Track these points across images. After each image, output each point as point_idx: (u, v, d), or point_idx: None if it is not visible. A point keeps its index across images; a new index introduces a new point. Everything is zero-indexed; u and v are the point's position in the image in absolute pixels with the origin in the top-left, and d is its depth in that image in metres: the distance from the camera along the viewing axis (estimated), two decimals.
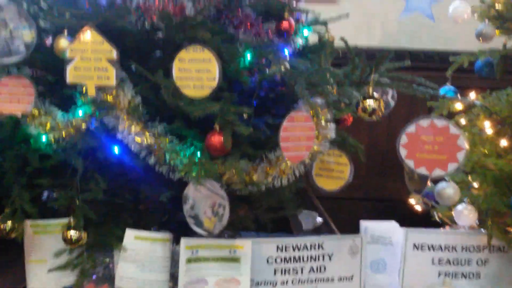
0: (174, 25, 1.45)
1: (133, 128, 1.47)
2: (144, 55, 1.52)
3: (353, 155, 1.71)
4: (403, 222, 1.74)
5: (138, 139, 1.47)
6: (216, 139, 1.34)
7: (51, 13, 1.45)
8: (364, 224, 1.76)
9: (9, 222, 1.44)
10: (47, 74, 1.64)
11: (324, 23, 1.95)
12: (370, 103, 1.32)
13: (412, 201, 2.16)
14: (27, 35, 1.45)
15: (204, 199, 1.50)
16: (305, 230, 2.32)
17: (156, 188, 1.62)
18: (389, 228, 1.76)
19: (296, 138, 1.39)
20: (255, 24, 1.70)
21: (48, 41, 1.67)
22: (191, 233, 1.57)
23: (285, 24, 1.74)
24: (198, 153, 1.46)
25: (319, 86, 1.33)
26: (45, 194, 1.67)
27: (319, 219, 2.32)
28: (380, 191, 2.92)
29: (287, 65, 1.55)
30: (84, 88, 1.46)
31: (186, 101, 1.32)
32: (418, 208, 2.14)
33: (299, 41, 1.87)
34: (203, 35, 1.37)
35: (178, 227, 1.78)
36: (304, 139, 1.40)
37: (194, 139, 1.47)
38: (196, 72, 1.42)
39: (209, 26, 1.46)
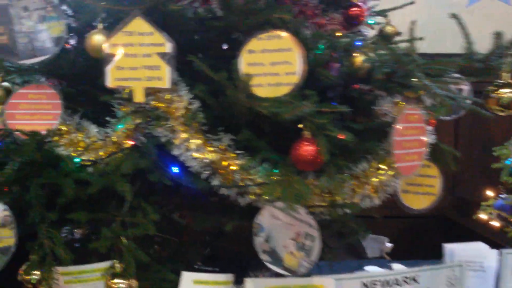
0: (237, 9, 1.15)
1: (192, 141, 1.15)
2: (200, 49, 1.21)
3: None
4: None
5: (198, 155, 1.15)
6: (308, 148, 1.02)
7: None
8: (450, 247, 1.50)
9: (37, 272, 1.09)
10: (75, 81, 1.33)
11: (384, 14, 1.71)
12: (507, 92, 1.01)
13: (482, 216, 1.85)
14: (55, 28, 1.14)
15: (283, 229, 1.17)
16: (370, 257, 2.01)
17: (214, 216, 1.30)
18: (479, 251, 1.52)
19: (409, 143, 1.08)
20: (316, 11, 1.41)
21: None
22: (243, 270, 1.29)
23: (355, 10, 1.45)
24: (274, 169, 1.14)
25: (440, 77, 1.02)
26: (72, 231, 1.34)
27: (388, 245, 2.00)
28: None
29: (372, 55, 1.25)
30: (128, 93, 1.15)
31: (270, 103, 1.01)
32: (495, 223, 1.83)
33: (367, 32, 1.59)
34: (283, 17, 1.06)
35: (229, 263, 1.46)
36: (417, 145, 1.08)
37: (267, 152, 1.15)
38: (270, 65, 1.11)
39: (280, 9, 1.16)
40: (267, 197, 1.11)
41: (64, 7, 1.28)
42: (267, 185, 1.10)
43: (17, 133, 1.21)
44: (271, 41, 1.11)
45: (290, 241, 1.16)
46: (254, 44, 1.12)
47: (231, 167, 1.14)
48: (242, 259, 1.61)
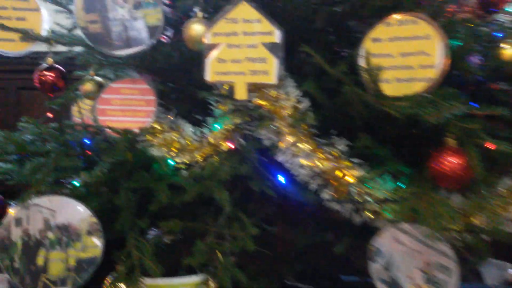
0: None
1: (299, 146, 0.98)
2: (310, 39, 1.04)
3: None
4: None
5: (306, 162, 0.97)
6: (454, 161, 0.81)
7: None
8: None
9: (123, 285, 0.98)
10: (170, 76, 1.22)
11: None
12: None
13: None
14: (152, 15, 1.03)
15: (409, 257, 0.96)
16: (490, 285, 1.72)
17: (320, 232, 1.13)
18: None
19: None
20: None
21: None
22: None
23: None
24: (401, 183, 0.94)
25: None
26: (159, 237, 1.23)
27: None
28: None
29: None
30: (228, 89, 1.01)
31: (406, 102, 0.81)
32: None
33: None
34: None
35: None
36: None
37: (392, 162, 0.95)
38: (401, 57, 0.91)
39: None
40: (391, 217, 0.91)
41: None
42: (393, 203, 0.90)
43: (108, 130, 1.12)
44: (403, 26, 0.91)
45: (417, 272, 0.95)
46: (381, 31, 0.93)
47: (346, 179, 0.96)
48: (338, 279, 1.43)
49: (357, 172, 0.96)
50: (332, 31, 1.11)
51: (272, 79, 0.97)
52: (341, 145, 0.98)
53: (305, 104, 1.00)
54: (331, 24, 1.07)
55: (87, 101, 1.34)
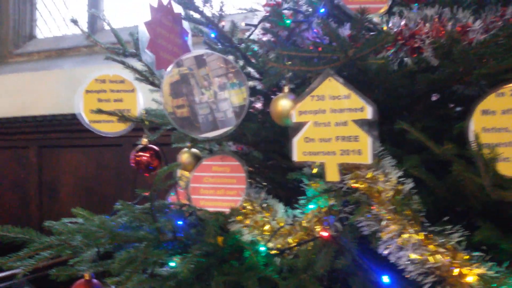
0: (461, 56, 0.82)
1: (405, 236, 0.84)
2: (404, 106, 0.91)
3: None
4: None
5: (415, 255, 0.83)
6: None
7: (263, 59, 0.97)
8: None
9: None
10: (260, 147, 1.18)
11: None
12: None
13: None
14: (238, 95, 0.99)
15: None
16: None
17: None
18: None
19: None
20: None
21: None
22: None
23: None
24: None
25: None
26: None
27: None
28: None
29: None
30: (319, 169, 0.92)
31: None
32: None
33: None
34: None
35: None
36: None
37: None
38: None
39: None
40: None
41: (249, 69, 1.14)
42: None
43: (199, 212, 1.09)
44: None
45: None
46: (492, 101, 0.77)
47: (466, 277, 0.79)
48: None
49: (479, 269, 0.79)
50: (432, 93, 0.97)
51: (367, 159, 0.86)
52: (457, 235, 0.82)
53: (408, 185, 0.87)
54: (432, 89, 0.93)
55: (185, 173, 1.35)
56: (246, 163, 1.12)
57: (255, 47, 1.16)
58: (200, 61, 1.02)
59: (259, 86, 1.17)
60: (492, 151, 0.71)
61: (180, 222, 1.11)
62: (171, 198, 1.47)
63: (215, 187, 1.14)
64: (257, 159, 1.25)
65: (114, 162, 3.10)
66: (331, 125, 0.89)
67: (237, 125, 1.02)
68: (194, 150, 1.27)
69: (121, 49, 1.30)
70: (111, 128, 1.24)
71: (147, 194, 1.16)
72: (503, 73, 0.80)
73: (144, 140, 1.26)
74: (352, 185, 0.90)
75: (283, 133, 1.00)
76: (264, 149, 1.23)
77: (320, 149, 0.90)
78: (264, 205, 1.07)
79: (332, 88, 0.88)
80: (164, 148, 1.31)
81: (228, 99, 1.01)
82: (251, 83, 1.15)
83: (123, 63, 1.28)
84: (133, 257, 0.94)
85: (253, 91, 1.15)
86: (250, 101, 1.14)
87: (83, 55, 3.38)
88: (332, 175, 0.90)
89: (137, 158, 1.24)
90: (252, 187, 1.12)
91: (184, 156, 1.25)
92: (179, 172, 1.43)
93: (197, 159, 1.24)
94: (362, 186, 0.88)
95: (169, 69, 1.04)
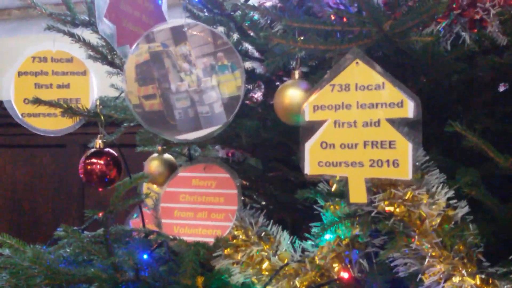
0: None
1: (457, 279, 0.87)
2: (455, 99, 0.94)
3: None
4: None
5: None
6: None
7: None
8: None
9: None
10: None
11: None
12: None
13: None
14: (229, 82, 1.01)
15: None
16: None
17: None
18: None
19: None
20: None
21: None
22: None
23: None
24: None
25: None
26: None
27: None
28: None
29: None
30: (339, 186, 0.95)
31: None
32: None
33: None
34: None
35: None
36: None
37: None
38: None
39: None
40: None
41: (247, 45, 1.16)
42: None
43: (172, 242, 1.12)
44: None
45: None
46: None
47: None
48: None
49: None
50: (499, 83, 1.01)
51: (406, 172, 0.89)
52: None
53: (462, 209, 0.91)
54: (498, 77, 0.96)
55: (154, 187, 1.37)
56: (239, 175, 1.15)
57: (255, 16, 1.17)
58: (178, 34, 1.05)
59: (259, 69, 1.20)
60: None
61: (145, 256, 1.13)
62: (134, 222, 1.49)
63: (195, 207, 1.17)
64: (254, 170, 1.28)
65: (53, 169, 3.12)
66: (358, 126, 0.91)
67: (228, 123, 1.04)
68: (167, 156, 1.30)
69: (69, 15, 1.31)
70: (53, 124, 1.26)
71: (99, 215, 1.17)
72: None
73: (98, 142, 1.27)
74: (384, 208, 0.92)
75: (291, 134, 1.04)
76: (265, 156, 1.25)
77: (342, 159, 0.93)
78: (263, 233, 1.10)
79: (360, 75, 0.90)
80: (126, 152, 1.33)
81: (216, 88, 1.04)
82: (248, 64, 1.17)
83: (71, 35, 1.29)
84: None
85: (251, 76, 1.18)
86: (247, 90, 1.16)
87: (15, 19, 3.39)
88: (358, 194, 0.92)
89: (87, 166, 1.25)
90: (246, 209, 1.16)
91: (153, 165, 1.28)
92: (146, 187, 1.44)
93: (171, 168, 1.27)
94: (399, 210, 0.92)
95: (135, 45, 1.06)
